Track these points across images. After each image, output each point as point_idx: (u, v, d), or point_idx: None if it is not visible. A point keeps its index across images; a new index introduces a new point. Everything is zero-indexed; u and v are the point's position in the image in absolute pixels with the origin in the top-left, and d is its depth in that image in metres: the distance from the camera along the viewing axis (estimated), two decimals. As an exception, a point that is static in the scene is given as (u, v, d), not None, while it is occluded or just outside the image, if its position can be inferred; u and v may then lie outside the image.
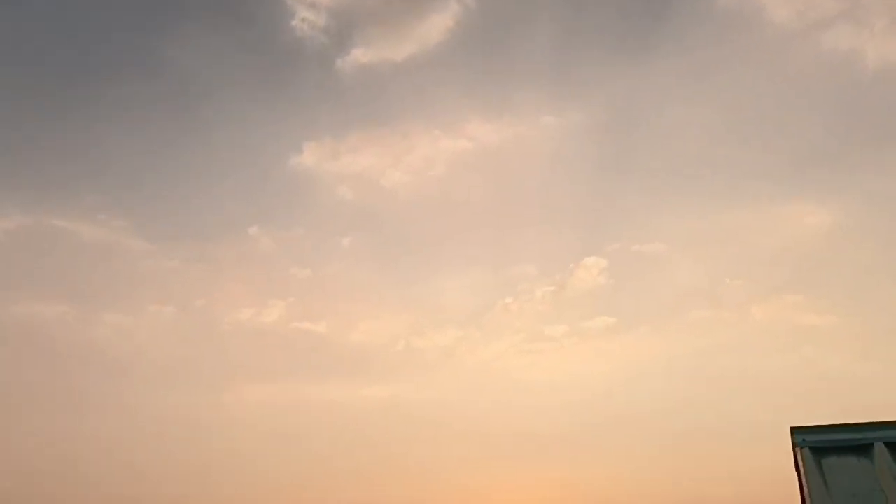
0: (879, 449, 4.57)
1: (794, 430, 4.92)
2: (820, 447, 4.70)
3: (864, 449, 4.69)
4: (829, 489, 3.65)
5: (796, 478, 4.69)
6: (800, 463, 4.47)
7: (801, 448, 4.65)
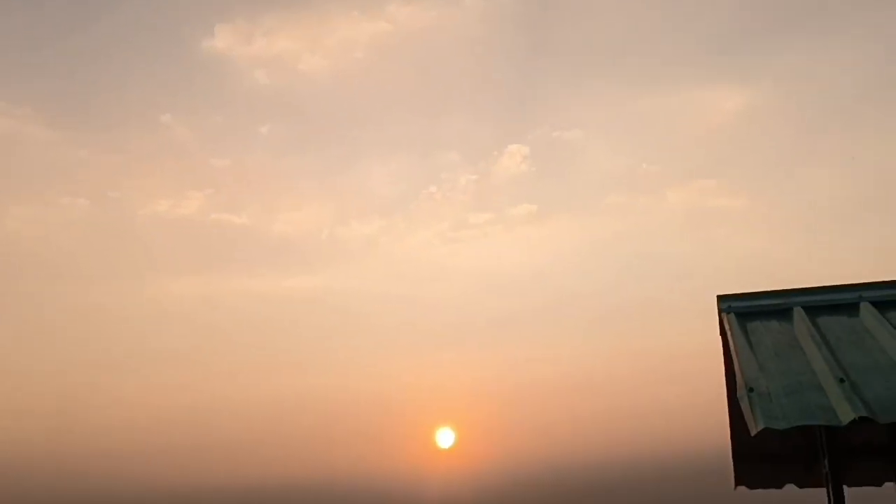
0: (798, 312, 4.96)
1: (720, 298, 5.29)
2: (744, 312, 5.08)
3: (784, 313, 5.08)
4: (753, 349, 3.96)
5: (721, 343, 5.06)
6: (726, 327, 4.83)
7: (727, 314, 5.01)
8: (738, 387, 3.75)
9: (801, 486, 5.68)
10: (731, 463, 5.48)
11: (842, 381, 3.58)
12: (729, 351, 4.79)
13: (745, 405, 3.55)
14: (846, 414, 3.21)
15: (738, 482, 5.66)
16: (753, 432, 3.40)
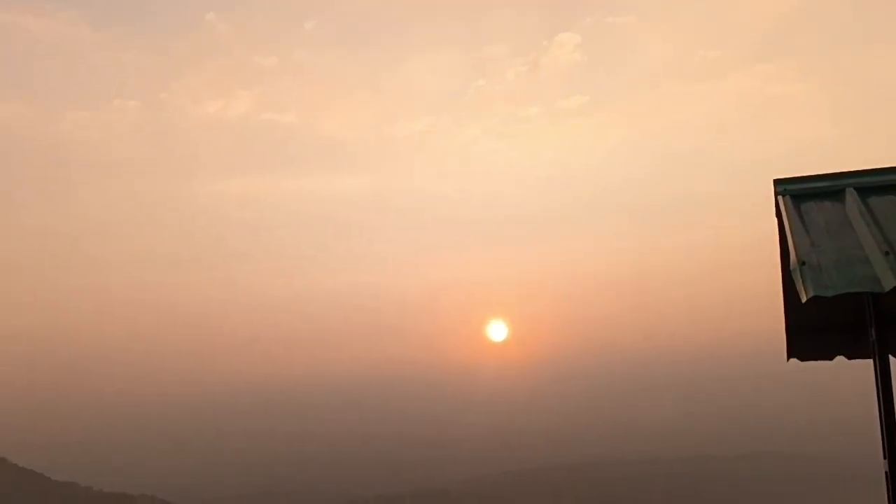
0: (850, 193, 5.24)
1: (776, 182, 5.57)
2: (799, 194, 5.37)
3: (836, 194, 5.36)
4: (806, 228, 4.27)
5: (777, 226, 5.36)
6: (781, 209, 5.13)
7: (783, 196, 5.31)
8: (791, 262, 4.09)
9: (849, 357, 6.07)
10: (785, 338, 5.87)
11: (887, 254, 3.92)
12: (783, 232, 5.11)
13: (797, 278, 3.90)
14: (889, 282, 3.57)
15: (790, 355, 6.05)
16: (804, 299, 3.78)
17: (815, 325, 5.87)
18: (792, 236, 4.20)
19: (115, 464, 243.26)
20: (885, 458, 5.89)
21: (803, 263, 3.93)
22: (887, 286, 3.54)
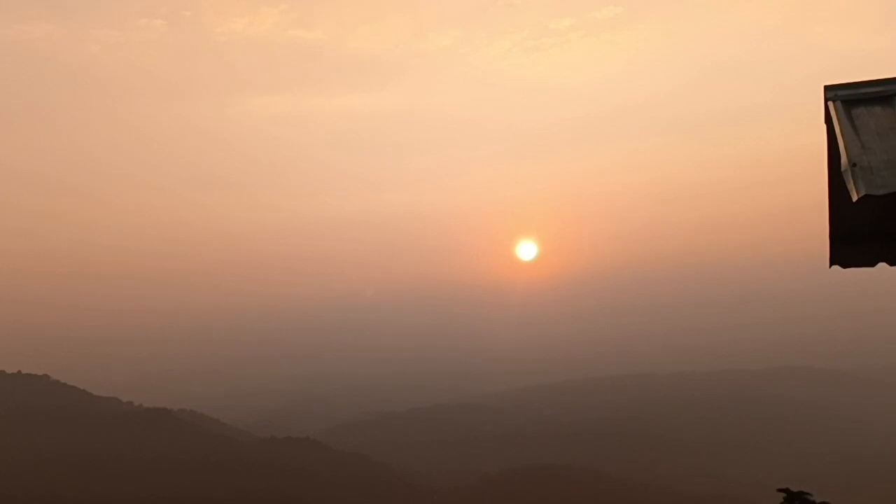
0: None
1: (827, 88, 5.57)
2: (849, 100, 5.37)
3: (887, 99, 5.37)
4: (857, 131, 4.32)
5: (825, 133, 5.38)
6: (832, 113, 5.15)
7: (833, 102, 5.32)
8: (842, 165, 4.16)
9: (891, 264, 6.15)
10: (828, 246, 5.96)
11: (937, 154, 3.97)
12: (831, 139, 5.15)
13: (848, 179, 3.98)
14: (939, 181, 3.64)
15: (832, 262, 6.15)
16: (855, 199, 3.88)
17: (858, 233, 5.94)
18: (843, 139, 4.24)
19: (155, 380, 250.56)
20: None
21: (854, 165, 4.00)
22: (937, 185, 3.63)
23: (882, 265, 6.11)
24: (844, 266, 6.24)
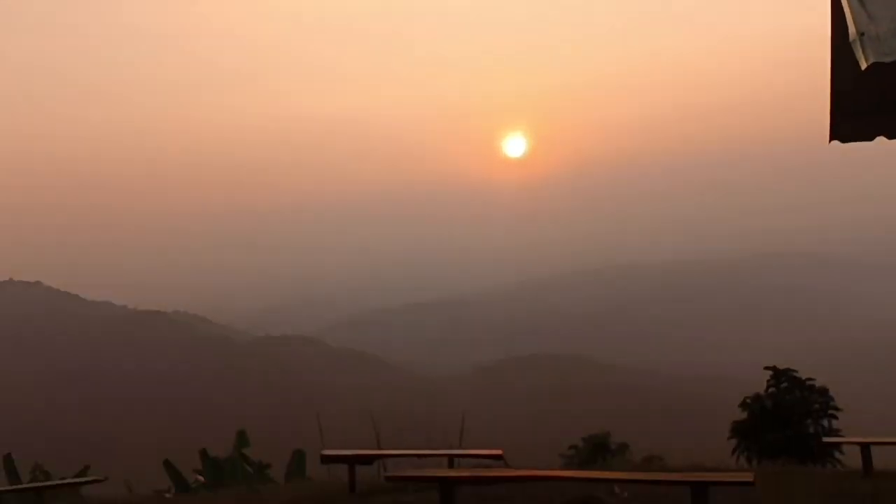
0: None
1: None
2: None
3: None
4: (863, 2, 4.35)
5: (829, 7, 5.39)
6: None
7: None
8: (849, 35, 4.23)
9: (890, 137, 6.29)
10: (829, 120, 6.08)
11: (949, 18, 4.04)
12: (835, 12, 5.19)
13: (857, 48, 4.06)
14: (948, 46, 3.74)
15: (832, 137, 6.28)
16: (864, 67, 3.98)
17: (858, 107, 6.05)
18: (850, 9, 4.29)
19: (148, 284, 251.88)
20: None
21: (862, 34, 4.08)
22: (947, 50, 3.72)
23: (880, 138, 6.25)
24: (844, 141, 6.36)
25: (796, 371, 14.46)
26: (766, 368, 14.71)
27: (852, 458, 10.22)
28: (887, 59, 3.84)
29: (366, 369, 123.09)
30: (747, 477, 5.76)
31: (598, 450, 14.60)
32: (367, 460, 9.00)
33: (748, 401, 14.07)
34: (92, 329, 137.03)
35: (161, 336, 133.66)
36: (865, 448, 8.74)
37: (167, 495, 12.18)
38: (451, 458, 8.41)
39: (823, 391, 14.05)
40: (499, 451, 8.42)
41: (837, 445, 12.37)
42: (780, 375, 14.36)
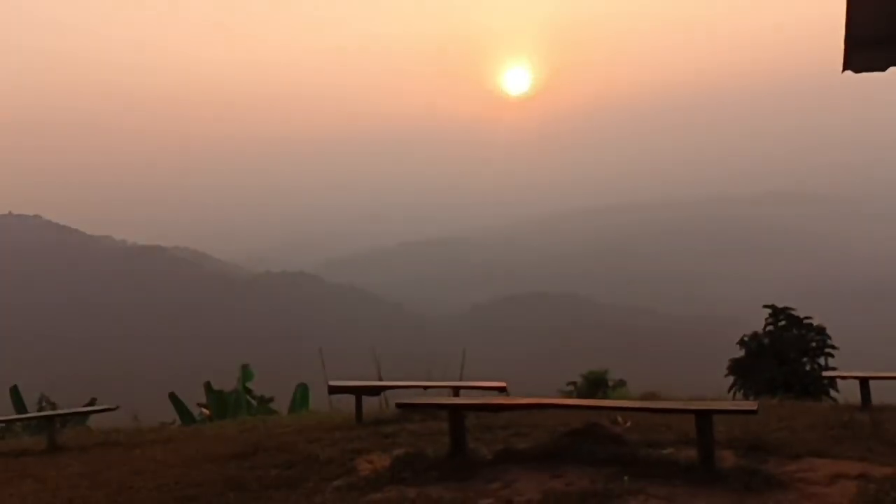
0: None
1: None
2: None
3: None
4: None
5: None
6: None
7: None
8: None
9: (902, 67, 6.22)
10: (843, 51, 5.99)
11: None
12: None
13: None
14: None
15: (846, 67, 6.20)
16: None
17: (873, 37, 5.97)
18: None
19: (148, 219, 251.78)
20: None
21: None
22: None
23: (892, 69, 6.17)
24: (857, 71, 6.27)
25: (794, 309, 14.50)
26: (765, 307, 14.73)
27: (848, 396, 10.32)
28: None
29: (364, 306, 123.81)
30: (751, 406, 5.81)
31: (596, 386, 14.72)
32: (374, 391, 9.11)
33: (746, 338, 14.14)
34: (92, 263, 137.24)
35: (161, 270, 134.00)
36: (864, 382, 8.83)
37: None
38: (455, 389, 8.52)
39: (821, 329, 14.10)
40: (503, 384, 8.52)
41: (834, 383, 12.49)
42: (778, 314, 14.40)
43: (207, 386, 13.32)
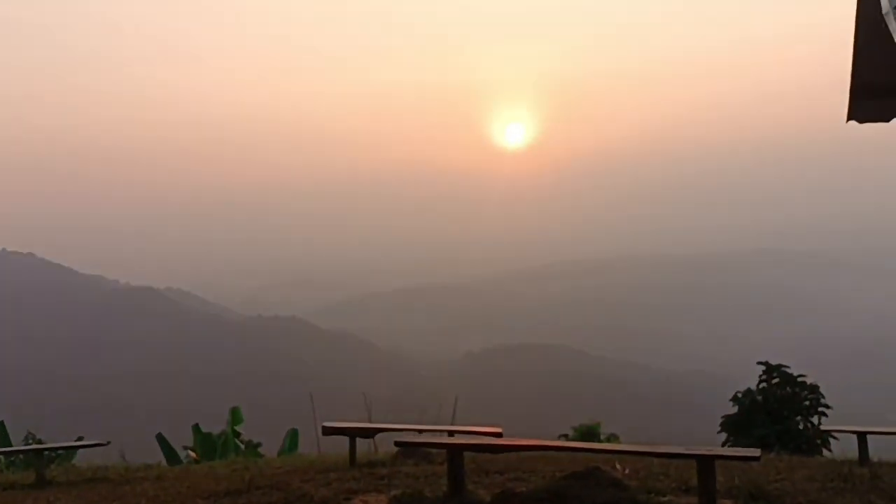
0: None
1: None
2: None
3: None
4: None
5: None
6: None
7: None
8: (882, 7, 4.22)
9: (905, 115, 6.31)
10: (847, 101, 6.08)
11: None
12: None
13: (890, 21, 4.06)
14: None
15: (850, 117, 6.27)
16: (896, 39, 3.98)
17: (879, 88, 6.04)
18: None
19: (141, 260, 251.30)
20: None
21: (895, 7, 4.10)
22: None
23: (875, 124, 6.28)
24: (861, 121, 6.36)
25: (788, 367, 14.46)
26: (759, 363, 14.70)
27: (842, 454, 10.28)
28: (921, 33, 3.85)
29: (356, 351, 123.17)
30: (754, 452, 5.75)
31: (588, 439, 14.59)
32: (368, 433, 9.01)
33: (739, 395, 14.07)
34: (84, 302, 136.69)
35: (152, 311, 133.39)
36: (862, 437, 8.81)
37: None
38: (450, 433, 8.43)
39: (814, 388, 14.05)
40: (498, 429, 8.42)
41: (828, 442, 12.47)
42: (771, 371, 14.34)
43: (196, 428, 13.17)
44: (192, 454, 12.88)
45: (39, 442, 15.24)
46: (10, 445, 13.62)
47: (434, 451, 7.56)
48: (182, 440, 13.24)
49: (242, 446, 13.13)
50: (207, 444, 12.75)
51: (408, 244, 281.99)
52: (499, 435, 8.33)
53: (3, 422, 13.95)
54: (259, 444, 13.55)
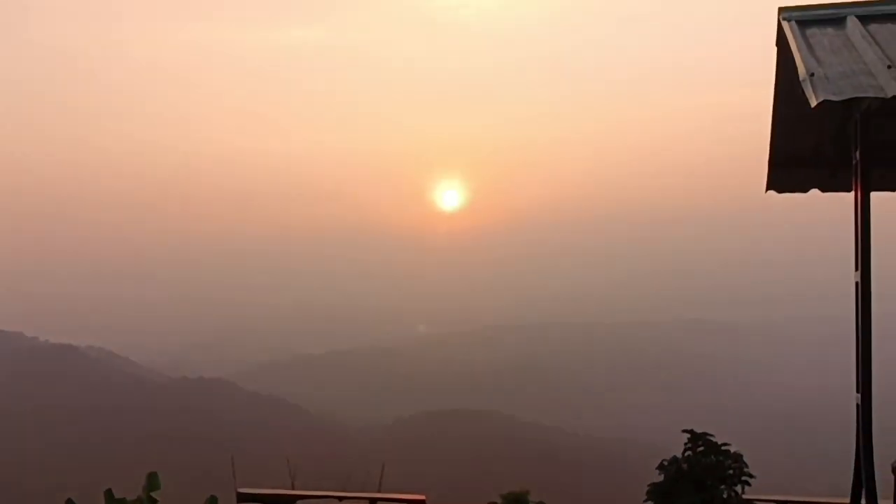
0: (851, 20, 5.46)
1: (781, 10, 5.75)
2: (803, 20, 5.57)
3: (839, 21, 5.58)
4: (811, 48, 4.48)
5: (775, 58, 5.55)
6: (787, 33, 5.32)
7: (788, 22, 5.50)
8: (799, 76, 4.33)
9: (823, 191, 6.47)
10: (766, 172, 6.20)
11: (889, 67, 4.20)
12: (780, 63, 5.32)
13: (807, 87, 4.16)
14: (892, 88, 3.87)
15: (769, 187, 6.40)
16: (813, 105, 4.05)
17: (795, 160, 6.20)
18: (799, 54, 4.42)
19: (61, 315, 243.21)
20: (857, 391, 6.43)
21: (812, 74, 4.19)
22: (890, 92, 3.85)
23: (814, 191, 6.42)
24: (780, 191, 6.51)
25: (712, 435, 14.53)
26: (684, 431, 14.77)
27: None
28: (836, 98, 3.93)
29: (282, 415, 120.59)
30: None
31: (516, 508, 14.35)
32: (286, 500, 8.68)
33: (665, 463, 14.07)
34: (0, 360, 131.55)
35: (71, 372, 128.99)
36: (785, 506, 8.85)
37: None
38: (372, 500, 8.16)
39: (738, 457, 14.15)
40: (422, 497, 8.19)
41: (755, 504, 12.55)
42: (696, 439, 14.38)
43: (108, 494, 12.55)
44: (105, 522, 12.25)
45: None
46: None
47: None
48: (97, 507, 12.57)
49: (159, 513, 12.54)
50: (121, 511, 12.13)
51: (339, 305, 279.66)
52: (422, 502, 8.08)
53: None
54: (174, 512, 12.95)
